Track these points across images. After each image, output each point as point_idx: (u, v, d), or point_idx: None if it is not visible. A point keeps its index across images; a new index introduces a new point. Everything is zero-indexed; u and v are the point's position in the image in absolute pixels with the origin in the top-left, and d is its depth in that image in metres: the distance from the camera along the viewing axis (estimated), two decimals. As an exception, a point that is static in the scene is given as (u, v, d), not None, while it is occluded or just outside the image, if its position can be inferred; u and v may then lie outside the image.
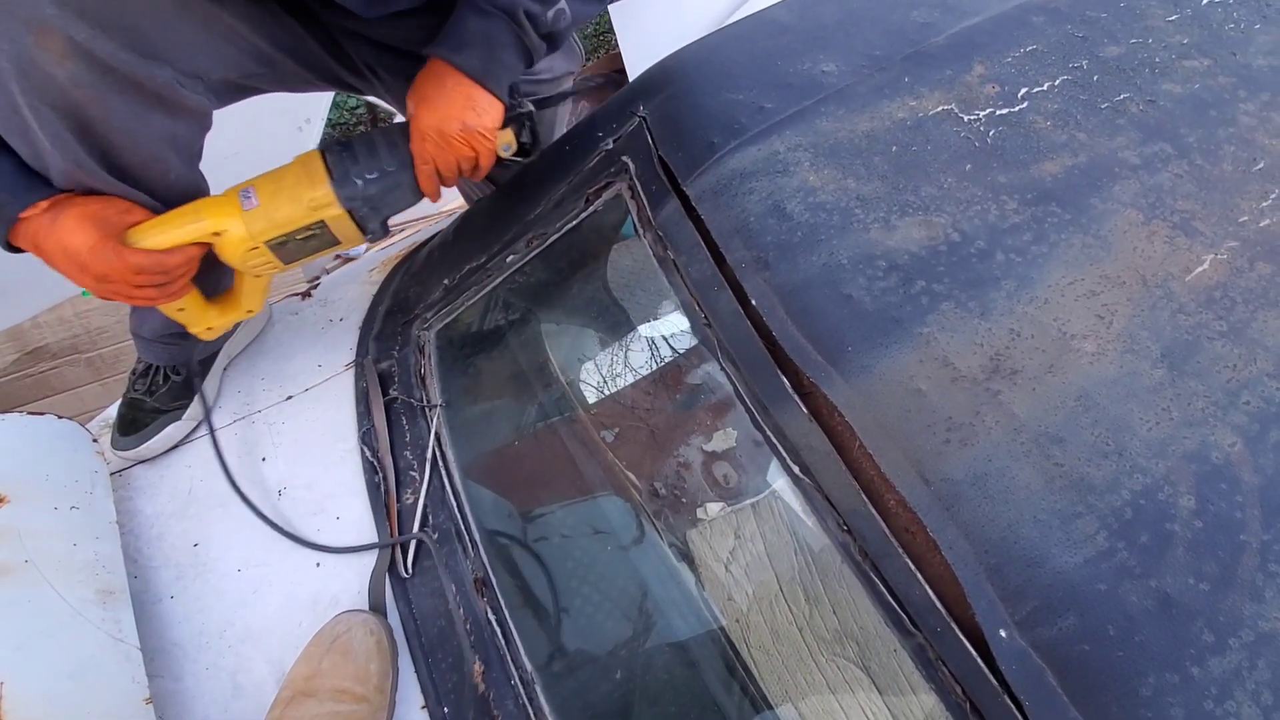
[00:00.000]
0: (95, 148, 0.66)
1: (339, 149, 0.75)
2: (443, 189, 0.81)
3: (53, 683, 0.66)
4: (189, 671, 0.80)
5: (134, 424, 0.95)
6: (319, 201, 0.73)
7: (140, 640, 0.76)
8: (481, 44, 0.72)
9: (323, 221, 0.74)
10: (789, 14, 0.81)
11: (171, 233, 0.70)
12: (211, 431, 0.94)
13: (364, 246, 2.22)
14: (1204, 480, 0.54)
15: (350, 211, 0.75)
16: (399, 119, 2.15)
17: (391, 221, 0.80)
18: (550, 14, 0.75)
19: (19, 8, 0.57)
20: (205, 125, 0.76)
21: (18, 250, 0.69)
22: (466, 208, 1.20)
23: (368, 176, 0.74)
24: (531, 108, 0.80)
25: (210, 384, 1.00)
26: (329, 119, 1.91)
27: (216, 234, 0.72)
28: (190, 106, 0.71)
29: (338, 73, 0.90)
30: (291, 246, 0.75)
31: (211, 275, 0.81)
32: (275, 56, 0.78)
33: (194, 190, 0.78)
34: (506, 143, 0.79)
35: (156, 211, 0.72)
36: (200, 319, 0.83)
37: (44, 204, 0.66)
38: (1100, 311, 0.61)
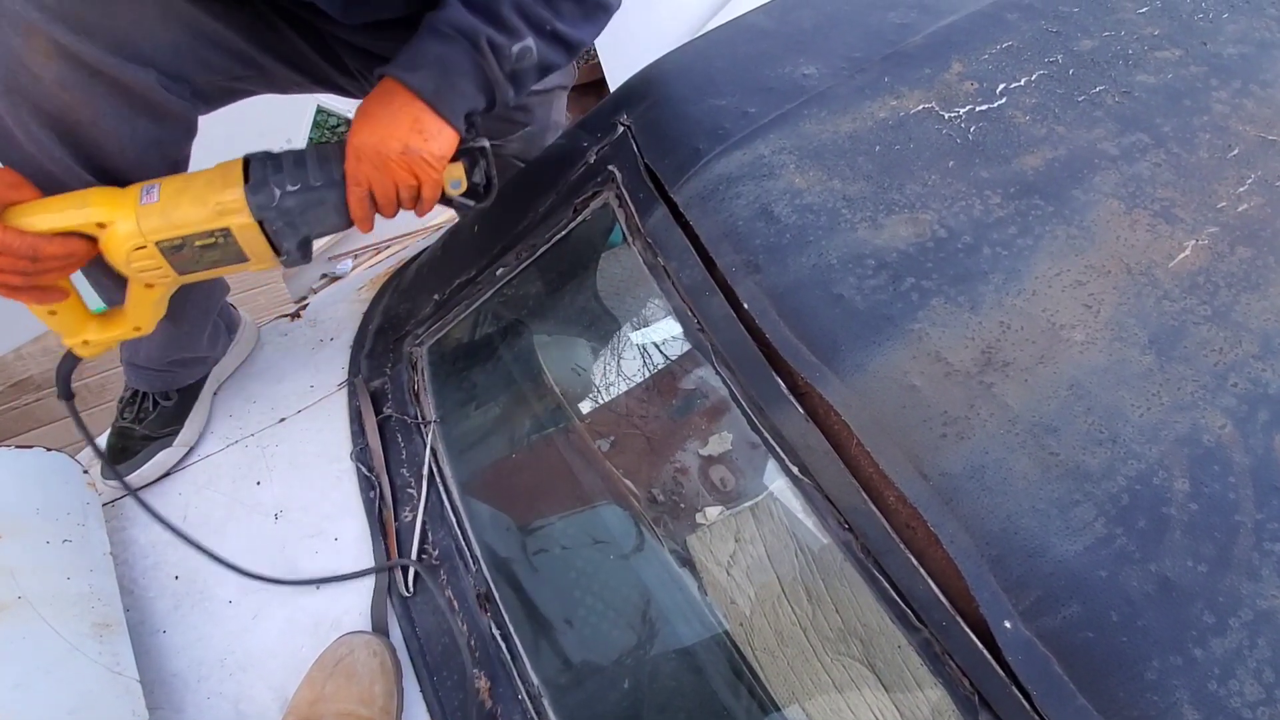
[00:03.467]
0: (82, 152, 0.64)
1: (264, 157, 0.68)
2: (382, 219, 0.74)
3: (53, 719, 0.65)
4: (190, 702, 0.79)
5: (124, 452, 0.94)
6: (227, 206, 0.65)
7: (139, 672, 0.75)
8: (437, 66, 0.67)
9: (228, 230, 0.66)
10: (768, 19, 0.81)
11: (51, 216, 0.62)
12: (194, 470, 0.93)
13: (349, 263, 2.21)
14: (1197, 463, 0.55)
15: (261, 222, 0.67)
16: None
17: (377, 237, 0.75)
18: (515, 48, 0.70)
19: (6, 8, 0.56)
20: (191, 132, 0.74)
21: None
22: (455, 222, 1.19)
23: (288, 188, 0.66)
24: (486, 144, 0.73)
25: (200, 409, 0.99)
26: (311, 138, 1.91)
27: (101, 225, 0.63)
28: (175, 111, 0.69)
29: (330, 75, 0.88)
30: (188, 253, 0.66)
31: (110, 283, 0.75)
32: (262, 60, 0.76)
33: None
34: (455, 179, 0.71)
35: None
36: (76, 329, 0.72)
37: None
38: (1087, 301, 0.61)
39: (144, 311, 0.73)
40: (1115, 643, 0.50)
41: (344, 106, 1.92)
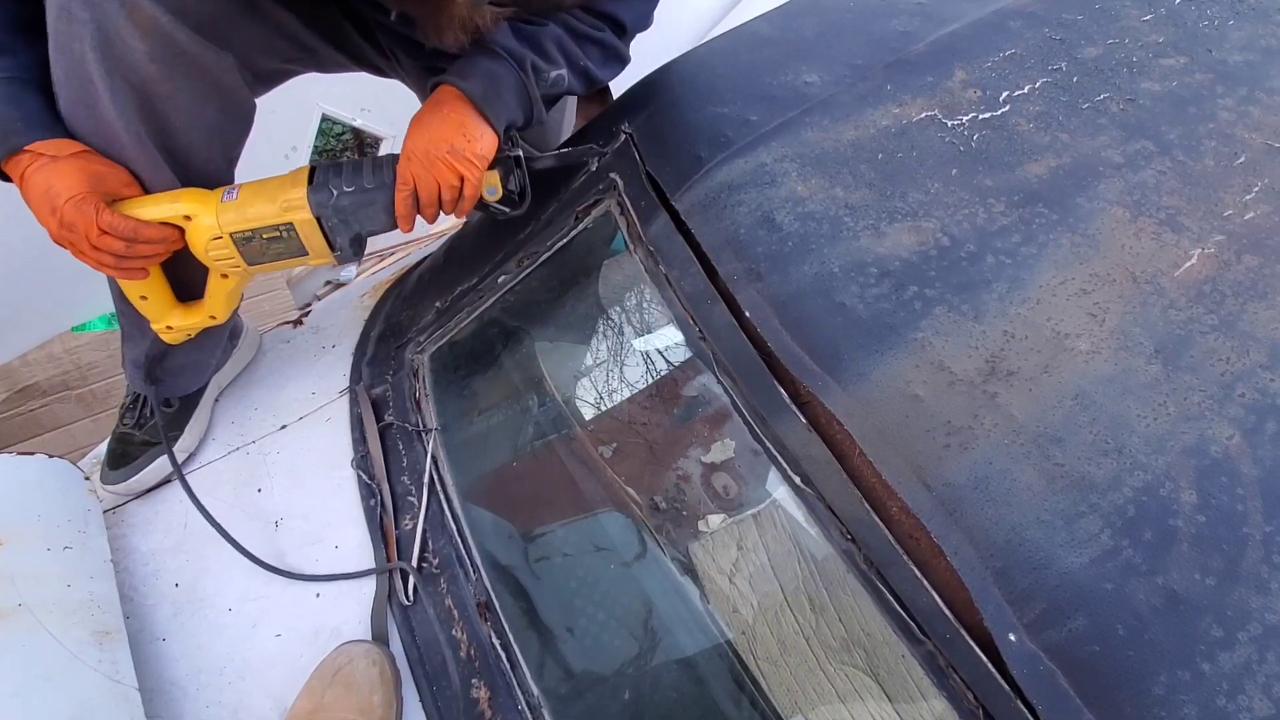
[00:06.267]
0: (154, 125, 0.70)
1: (328, 164, 0.77)
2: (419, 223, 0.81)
3: (50, 729, 0.65)
4: (189, 710, 0.78)
5: (123, 457, 0.94)
6: (291, 203, 0.74)
7: (138, 681, 0.74)
8: (487, 77, 0.75)
9: (291, 224, 0.75)
10: (770, 27, 0.81)
11: (149, 208, 0.72)
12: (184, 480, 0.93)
13: (353, 270, 2.21)
14: (1204, 474, 0.54)
15: (319, 219, 0.75)
16: (386, 145, 2.16)
17: (369, 246, 0.81)
18: (552, 75, 0.79)
19: None
20: (248, 124, 0.80)
21: (5, 178, 0.71)
22: (456, 229, 1.20)
23: (344, 189, 0.75)
24: (521, 153, 0.79)
25: (200, 415, 0.99)
26: (315, 146, 1.92)
27: (188, 217, 0.73)
28: (240, 99, 0.77)
29: (370, 57, 0.95)
30: (256, 245, 0.76)
31: (187, 275, 0.83)
32: (316, 44, 0.84)
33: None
34: (492, 185, 0.78)
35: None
36: (162, 314, 0.83)
37: (58, 146, 0.68)
38: (1092, 310, 0.61)
39: (219, 301, 0.84)
40: (1122, 657, 0.49)
41: (348, 114, 1.93)
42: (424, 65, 0.98)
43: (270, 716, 0.78)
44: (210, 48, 0.69)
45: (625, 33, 0.85)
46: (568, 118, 1.22)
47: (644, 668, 0.94)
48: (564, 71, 0.80)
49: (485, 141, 0.75)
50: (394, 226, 0.79)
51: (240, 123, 0.79)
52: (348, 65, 0.94)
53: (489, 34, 0.77)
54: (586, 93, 0.89)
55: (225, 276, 0.81)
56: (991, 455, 0.55)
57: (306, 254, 0.78)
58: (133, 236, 0.71)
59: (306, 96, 1.83)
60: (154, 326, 0.85)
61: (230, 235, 0.75)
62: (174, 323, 0.84)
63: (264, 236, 0.75)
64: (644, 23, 0.86)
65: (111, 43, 0.64)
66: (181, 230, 0.74)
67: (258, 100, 0.85)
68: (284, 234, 0.76)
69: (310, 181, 0.75)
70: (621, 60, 0.87)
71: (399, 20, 0.74)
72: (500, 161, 0.78)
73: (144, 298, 0.81)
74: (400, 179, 0.75)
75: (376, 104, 1.97)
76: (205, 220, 0.74)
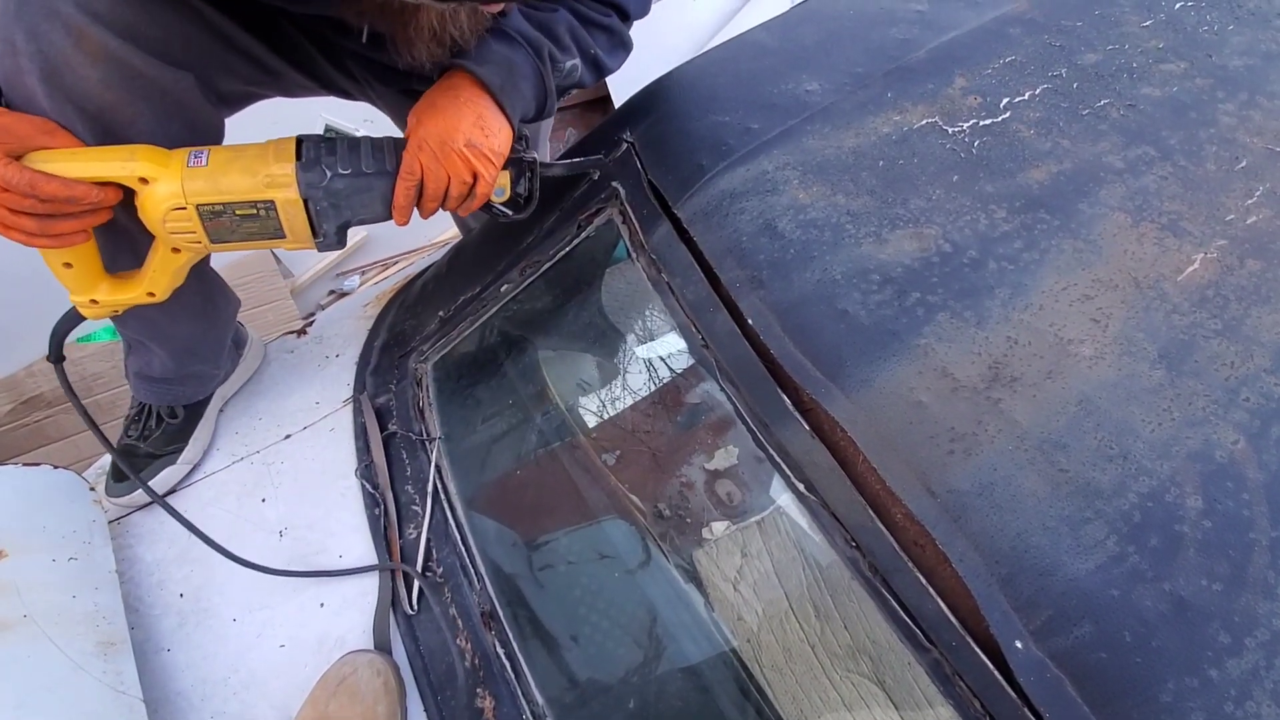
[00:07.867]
0: None
1: (319, 139, 0.69)
2: (414, 220, 0.76)
3: (55, 740, 0.65)
4: (193, 721, 0.78)
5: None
6: (276, 179, 0.65)
7: (143, 691, 0.74)
8: (504, 65, 0.71)
9: (272, 203, 0.65)
10: (770, 36, 0.82)
11: (89, 164, 0.61)
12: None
13: (356, 280, 2.22)
14: (1210, 480, 0.54)
15: (307, 201, 0.66)
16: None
17: (373, 254, 0.76)
18: (567, 64, 0.76)
19: (57, 9, 0.58)
20: (219, 141, 0.77)
21: None
22: (459, 238, 1.20)
23: (340, 171, 0.66)
24: (535, 156, 0.75)
25: (205, 426, 1.00)
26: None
27: (144, 180, 0.62)
28: (205, 117, 0.73)
29: (338, 81, 0.91)
30: (226, 221, 0.65)
31: (122, 243, 0.73)
32: (279, 67, 0.80)
33: None
34: (501, 185, 0.74)
35: None
36: (87, 285, 0.70)
37: None
38: (1095, 315, 0.61)
39: (162, 277, 0.71)
40: (1129, 664, 0.49)
41: (350, 126, 1.94)
42: (400, 89, 0.95)
43: (275, 727, 0.78)
44: (166, 69, 0.65)
45: (628, 19, 0.83)
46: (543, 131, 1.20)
47: (649, 676, 0.93)
48: (577, 61, 0.77)
49: (502, 137, 0.71)
50: (388, 217, 0.71)
51: (210, 139, 0.74)
52: (314, 89, 0.90)
53: (504, 19, 0.73)
54: (595, 83, 0.86)
55: (177, 251, 0.69)
56: (996, 461, 0.55)
57: (283, 237, 0.68)
58: (29, 190, 0.58)
59: (310, 108, 1.84)
60: (73, 299, 0.71)
61: (196, 207, 0.64)
62: (101, 296, 0.71)
63: (237, 213, 0.65)
64: (643, 10, 0.84)
65: (61, 73, 0.59)
66: (119, 190, 0.63)
67: (239, 117, 0.81)
68: (262, 212, 0.66)
69: (299, 157, 0.66)
70: (626, 47, 0.84)
71: (370, 43, 0.70)
72: (513, 162, 0.74)
73: (68, 265, 0.67)
74: (406, 168, 0.68)
75: (380, 115, 1.98)
76: (166, 187, 0.62)
